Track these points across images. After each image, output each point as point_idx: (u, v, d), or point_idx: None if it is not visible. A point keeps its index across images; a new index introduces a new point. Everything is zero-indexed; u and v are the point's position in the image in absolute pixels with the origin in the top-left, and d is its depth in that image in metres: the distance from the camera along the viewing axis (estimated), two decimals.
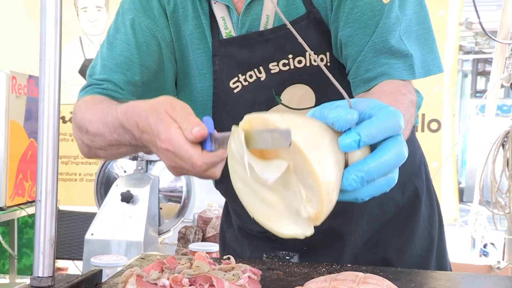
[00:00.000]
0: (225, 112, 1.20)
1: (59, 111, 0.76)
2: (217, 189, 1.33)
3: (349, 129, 0.67)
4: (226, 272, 0.76)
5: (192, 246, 1.62)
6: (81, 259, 2.76)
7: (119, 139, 0.95)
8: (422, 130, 3.41)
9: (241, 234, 1.37)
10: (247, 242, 1.34)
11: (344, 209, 1.18)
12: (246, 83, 1.17)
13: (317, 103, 1.15)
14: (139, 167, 2.69)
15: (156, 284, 0.73)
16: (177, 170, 0.82)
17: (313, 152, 0.64)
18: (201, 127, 0.78)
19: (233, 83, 1.18)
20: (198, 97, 1.23)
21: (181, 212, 2.76)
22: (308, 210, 0.67)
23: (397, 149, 0.68)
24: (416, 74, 1.05)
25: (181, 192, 2.77)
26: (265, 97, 1.17)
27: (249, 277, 0.76)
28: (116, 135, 0.95)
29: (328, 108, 0.69)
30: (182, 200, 2.76)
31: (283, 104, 1.17)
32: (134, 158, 2.65)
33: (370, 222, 1.25)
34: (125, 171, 2.93)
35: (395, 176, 0.70)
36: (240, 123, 0.71)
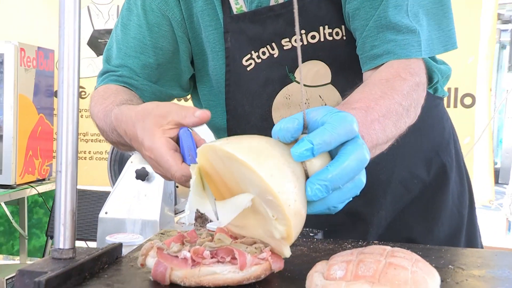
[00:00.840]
0: (238, 91, 1.23)
1: (78, 78, 0.80)
2: None
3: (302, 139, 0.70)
4: (248, 246, 0.79)
5: (210, 226, 1.66)
6: (94, 240, 2.83)
7: (118, 140, 1.05)
8: (455, 106, 3.39)
9: None
10: None
11: (365, 189, 1.20)
12: (259, 60, 1.19)
13: (334, 80, 1.17)
14: None
15: (177, 256, 0.76)
16: (162, 176, 0.90)
17: (263, 166, 0.67)
18: (203, 110, 0.85)
19: (246, 61, 1.20)
20: (213, 76, 1.26)
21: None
22: (279, 229, 0.71)
23: (358, 153, 0.70)
24: (422, 51, 1.05)
25: None
26: (279, 75, 1.19)
27: (271, 250, 0.79)
28: (114, 136, 1.04)
29: (279, 122, 0.73)
30: None
31: (297, 82, 1.19)
32: None
33: (394, 201, 1.27)
34: None
35: (362, 178, 0.73)
36: (196, 159, 0.77)
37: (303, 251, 0.97)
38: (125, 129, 0.94)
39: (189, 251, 0.76)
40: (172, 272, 0.76)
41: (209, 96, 1.30)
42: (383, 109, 0.91)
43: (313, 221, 1.21)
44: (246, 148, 0.69)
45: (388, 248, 0.74)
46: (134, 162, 2.60)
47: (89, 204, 3.37)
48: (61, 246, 0.80)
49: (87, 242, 3.31)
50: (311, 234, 1.13)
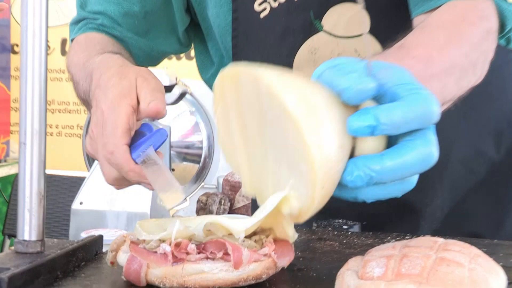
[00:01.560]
0: (249, 45, 1.24)
1: (47, 26, 0.83)
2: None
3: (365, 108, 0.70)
4: (244, 239, 0.81)
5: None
6: (66, 237, 2.89)
7: (87, 89, 1.10)
8: None
9: None
10: None
11: None
12: (276, 4, 1.20)
13: (373, 29, 1.17)
14: None
15: (156, 252, 0.79)
16: (91, 154, 0.99)
17: (313, 131, 0.68)
18: (160, 103, 0.93)
19: (259, 5, 1.21)
20: (215, 26, 1.28)
21: (200, 175, 2.84)
22: (291, 204, 0.73)
23: (425, 150, 0.71)
24: None
25: (201, 148, 2.83)
26: (301, 23, 1.20)
27: (276, 242, 0.81)
28: (86, 85, 1.10)
29: (338, 71, 0.71)
30: (202, 159, 2.83)
31: (325, 32, 1.20)
32: None
33: (453, 187, 1.29)
34: None
35: (413, 180, 0.76)
36: (225, 71, 0.78)
37: (333, 247, 1.01)
38: (102, 73, 1.01)
39: (170, 244, 0.78)
40: (148, 271, 0.78)
41: (216, 52, 1.33)
42: (446, 61, 0.92)
43: (346, 212, 1.25)
44: (303, 100, 0.69)
45: (440, 240, 0.77)
46: None
47: (58, 193, 3.42)
48: (26, 238, 0.84)
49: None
50: (344, 227, 1.16)
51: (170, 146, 2.73)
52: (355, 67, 0.72)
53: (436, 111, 0.71)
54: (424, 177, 1.23)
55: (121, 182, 0.97)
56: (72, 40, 1.33)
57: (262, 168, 0.77)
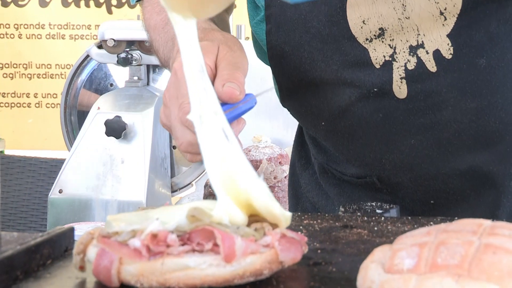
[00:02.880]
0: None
1: None
2: (284, 106, 1.41)
3: None
4: (239, 226, 0.81)
5: None
6: (43, 230, 2.91)
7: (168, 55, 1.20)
8: None
9: (325, 178, 1.46)
10: (337, 191, 1.43)
11: (496, 137, 1.27)
12: None
13: None
14: (135, 77, 2.78)
15: (128, 245, 0.79)
16: (163, 123, 1.07)
17: None
18: (240, 86, 1.00)
19: None
20: None
21: None
22: None
23: None
24: None
25: None
26: None
27: (283, 234, 0.82)
28: (167, 49, 1.21)
29: None
30: None
31: None
32: (126, 62, 2.73)
33: None
34: (111, 84, 3.04)
35: None
36: None
37: (361, 236, 1.02)
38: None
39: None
40: (122, 268, 0.78)
41: None
42: None
43: (410, 188, 1.31)
44: None
45: (486, 222, 0.78)
46: (103, 108, 2.65)
47: (34, 180, 3.45)
48: None
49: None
50: (378, 211, 1.17)
51: None
52: None
53: None
54: (507, 142, 1.25)
55: (196, 148, 0.97)
56: None
57: None
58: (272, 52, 1.30)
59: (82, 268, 0.86)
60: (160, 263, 0.77)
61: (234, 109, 1.01)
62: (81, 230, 1.36)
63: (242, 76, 1.02)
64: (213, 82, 1.01)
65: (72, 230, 0.98)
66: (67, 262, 0.92)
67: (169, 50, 1.19)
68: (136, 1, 1.44)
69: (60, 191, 2.51)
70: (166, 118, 1.05)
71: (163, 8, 1.27)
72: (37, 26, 4.75)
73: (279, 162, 2.77)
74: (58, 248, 0.94)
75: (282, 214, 0.83)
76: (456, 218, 1.09)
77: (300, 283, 0.84)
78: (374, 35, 1.22)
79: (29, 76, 4.59)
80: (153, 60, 2.77)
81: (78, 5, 4.89)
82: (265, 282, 0.81)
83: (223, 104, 0.99)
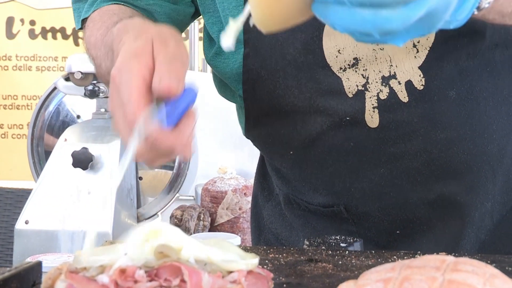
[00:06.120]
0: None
1: None
2: (247, 137, 1.40)
3: None
4: (207, 262, 0.81)
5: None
6: (7, 265, 2.88)
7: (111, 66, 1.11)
8: None
9: (290, 209, 1.45)
10: (301, 222, 1.42)
11: (464, 167, 1.26)
12: None
13: None
14: (102, 109, 2.77)
15: (95, 280, 0.78)
16: (116, 123, 0.99)
17: None
18: (177, 78, 0.94)
19: None
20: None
21: (174, 185, 2.84)
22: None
23: None
24: None
25: None
26: None
27: (249, 270, 0.82)
28: (108, 62, 1.15)
29: None
30: (177, 164, 2.83)
31: None
32: (94, 94, 2.72)
33: (507, 189, 1.32)
34: (78, 116, 3.02)
35: (392, 16, 0.75)
36: None
37: (326, 270, 1.01)
38: (122, 37, 1.04)
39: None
40: None
41: (213, 26, 1.36)
42: None
43: (378, 217, 1.31)
44: None
45: (449, 258, 0.78)
46: (70, 140, 2.64)
47: (1, 210, 3.42)
48: None
49: None
50: (342, 245, 1.16)
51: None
52: None
53: None
54: (475, 173, 1.25)
55: (149, 154, 0.97)
56: (83, 21, 1.38)
57: None
58: (247, 76, 1.29)
59: None
60: None
61: (177, 104, 0.95)
62: (48, 261, 1.34)
63: (180, 67, 0.97)
64: (151, 81, 0.96)
65: (39, 264, 0.96)
66: None
67: (110, 61, 1.12)
68: (80, 27, 1.41)
69: (27, 222, 2.47)
70: (115, 127, 1.00)
71: (103, 23, 1.27)
72: (4, 58, 4.73)
73: (244, 193, 2.77)
74: (26, 282, 0.93)
75: (247, 264, 0.83)
76: (419, 252, 1.09)
77: None
78: (348, 65, 1.22)
79: None
80: None
81: (45, 37, 4.87)
82: None
83: (164, 102, 0.95)
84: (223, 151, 2.95)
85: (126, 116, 0.93)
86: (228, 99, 1.39)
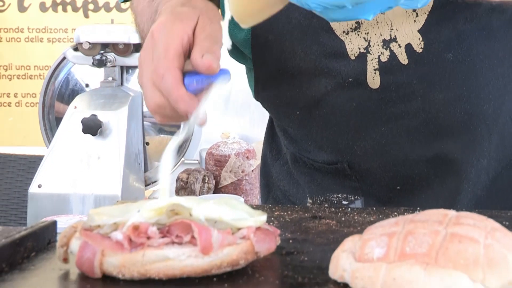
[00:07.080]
0: None
1: None
2: (257, 99, 1.40)
3: None
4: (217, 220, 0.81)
5: None
6: (25, 226, 2.89)
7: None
8: None
9: (297, 167, 1.45)
10: (307, 179, 1.43)
11: (461, 126, 1.26)
12: None
13: None
14: (109, 78, 2.77)
15: (110, 237, 0.79)
16: (140, 81, 1.02)
17: None
18: (215, 58, 0.96)
19: None
20: None
21: (180, 149, 2.85)
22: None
23: None
24: None
25: None
26: None
27: (257, 226, 0.81)
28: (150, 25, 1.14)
29: None
30: (181, 129, 2.84)
31: None
32: (101, 63, 2.72)
33: (503, 147, 1.31)
34: (87, 85, 3.01)
35: None
36: None
37: (329, 226, 1.01)
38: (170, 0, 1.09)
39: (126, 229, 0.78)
40: (104, 259, 0.78)
41: None
42: None
43: (378, 174, 1.31)
44: None
45: (451, 212, 0.77)
46: (80, 108, 2.64)
47: (14, 175, 3.42)
48: None
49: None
50: (344, 202, 1.16)
51: (143, 116, 2.73)
52: None
53: None
54: (471, 131, 1.25)
55: (164, 110, 0.99)
56: None
57: None
58: (255, 40, 1.29)
59: (65, 260, 0.85)
60: (141, 255, 0.77)
61: (209, 81, 0.97)
62: (62, 222, 1.34)
63: (219, 48, 1.00)
64: (190, 50, 0.99)
65: (54, 223, 0.96)
66: (51, 254, 0.90)
67: (152, 22, 1.13)
68: (124, 0, 1.41)
69: (39, 186, 2.49)
70: (139, 77, 1.02)
71: None
72: (17, 30, 4.71)
73: (247, 157, 2.78)
74: (42, 241, 0.93)
75: (255, 221, 0.82)
76: (418, 208, 1.09)
77: (274, 272, 0.83)
78: (351, 28, 1.23)
79: (9, 77, 4.55)
80: (126, 61, 2.76)
81: (55, 10, 4.84)
82: (241, 271, 0.81)
83: (198, 74, 0.97)
84: (226, 117, 2.96)
85: (156, 70, 0.96)
86: (239, 62, 1.39)
